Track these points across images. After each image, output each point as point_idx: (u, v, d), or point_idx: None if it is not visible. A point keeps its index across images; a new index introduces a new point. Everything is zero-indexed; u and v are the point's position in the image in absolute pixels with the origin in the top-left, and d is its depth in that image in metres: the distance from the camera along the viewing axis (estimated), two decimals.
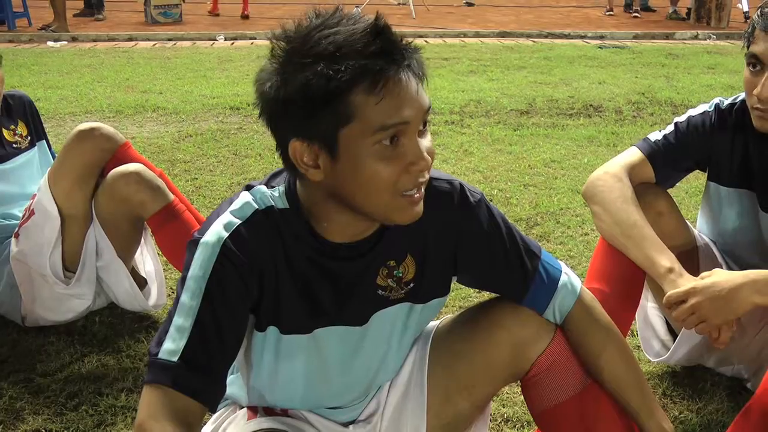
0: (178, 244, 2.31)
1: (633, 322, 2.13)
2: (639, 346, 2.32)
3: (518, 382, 1.64)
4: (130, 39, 9.27)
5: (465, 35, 10.30)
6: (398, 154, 1.29)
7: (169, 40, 9.24)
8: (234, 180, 3.96)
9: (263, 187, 1.44)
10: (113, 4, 11.28)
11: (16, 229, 2.44)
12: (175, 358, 1.32)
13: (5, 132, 2.59)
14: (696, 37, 11.05)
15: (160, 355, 1.33)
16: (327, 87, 1.24)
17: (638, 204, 1.96)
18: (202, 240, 1.38)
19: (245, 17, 11.83)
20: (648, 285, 2.09)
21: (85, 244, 2.40)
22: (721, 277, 1.80)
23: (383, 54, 1.26)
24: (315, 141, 1.29)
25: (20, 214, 2.51)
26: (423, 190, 1.34)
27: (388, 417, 1.65)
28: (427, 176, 1.34)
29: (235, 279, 1.37)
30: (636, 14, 13.29)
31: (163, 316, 2.62)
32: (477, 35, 10.29)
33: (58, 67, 7.07)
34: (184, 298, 1.36)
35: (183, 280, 1.38)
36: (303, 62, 1.26)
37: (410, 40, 1.33)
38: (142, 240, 2.57)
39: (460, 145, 4.68)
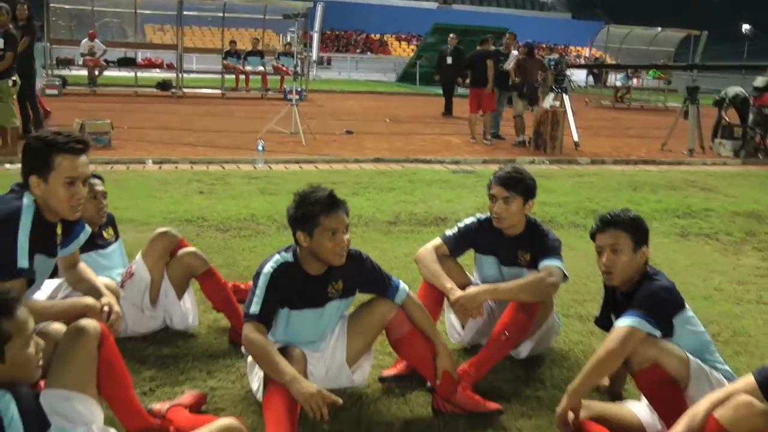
0: (214, 291, 4.56)
1: (440, 316, 4.43)
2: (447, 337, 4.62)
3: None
4: None
5: (347, 161, 12.51)
6: (334, 239, 3.58)
7: (107, 163, 11.04)
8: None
9: (284, 252, 3.70)
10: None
11: (120, 284, 4.54)
12: (257, 312, 3.53)
13: (104, 232, 4.70)
14: (533, 162, 13.56)
15: (250, 311, 3.54)
16: (311, 213, 3.55)
17: (438, 263, 4.31)
18: (262, 272, 3.62)
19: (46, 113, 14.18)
20: (447, 302, 4.40)
21: (161, 291, 4.55)
22: (471, 289, 4.16)
23: (331, 203, 3.58)
24: (305, 231, 3.58)
25: (117, 279, 4.60)
26: (344, 253, 3.63)
27: (330, 349, 3.88)
28: (346, 248, 3.62)
29: (275, 286, 3.60)
30: (486, 141, 16.14)
31: (197, 330, 4.76)
32: (356, 161, 12.54)
33: None
34: (258, 292, 3.57)
35: (254, 286, 3.60)
36: (302, 203, 3.57)
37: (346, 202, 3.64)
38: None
39: None
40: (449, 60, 20.95)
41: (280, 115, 15.03)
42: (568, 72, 21.18)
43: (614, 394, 4.11)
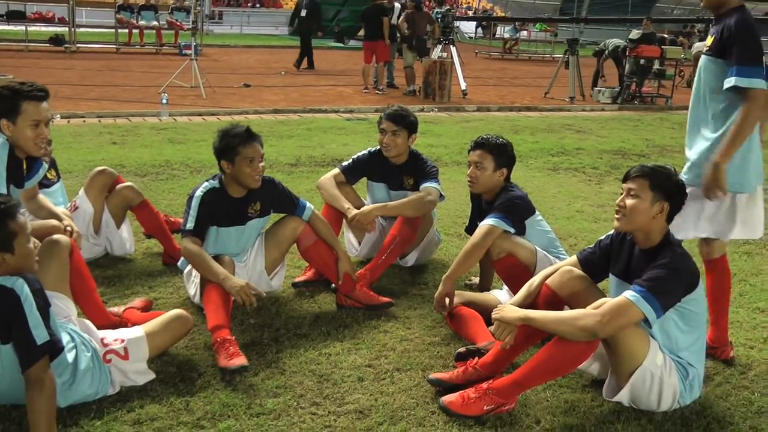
0: (149, 218, 5.34)
1: (340, 235, 5.33)
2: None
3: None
4: None
5: (247, 112, 13.17)
6: (251, 166, 4.42)
7: None
8: None
9: (212, 180, 4.52)
10: None
11: None
12: (192, 228, 4.35)
13: (48, 174, 5.38)
14: (422, 110, 14.45)
15: (186, 228, 4.35)
16: (232, 144, 4.38)
17: (337, 188, 5.20)
18: (194, 195, 4.43)
19: None
20: (345, 223, 5.30)
21: (102, 221, 5.30)
22: (366, 208, 5.07)
23: (248, 136, 4.42)
24: (227, 161, 4.41)
25: None
26: (260, 177, 4.47)
27: (251, 259, 4.73)
28: (261, 173, 4.47)
29: (205, 207, 4.43)
30: (378, 91, 17.01)
31: (134, 256, 5.52)
32: (256, 112, 13.24)
33: None
34: (192, 212, 4.39)
35: (188, 208, 4.41)
36: (225, 137, 4.41)
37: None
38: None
39: None
40: (303, 12, 21.17)
41: (179, 69, 15.50)
42: (456, 24, 22.12)
43: (483, 288, 5.09)
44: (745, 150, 3.99)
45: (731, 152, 3.92)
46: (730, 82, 3.88)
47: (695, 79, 4.25)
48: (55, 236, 3.92)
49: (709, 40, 4.08)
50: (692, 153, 4.19)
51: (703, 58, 4.14)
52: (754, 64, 3.85)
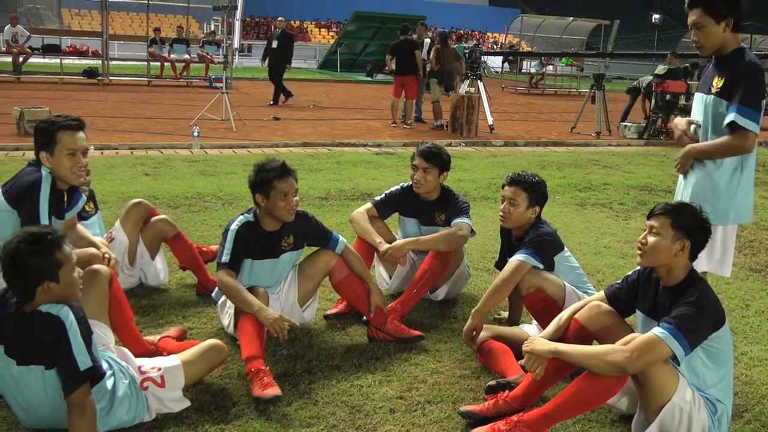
0: (183, 250, 5.44)
1: (371, 267, 5.41)
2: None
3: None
4: (17, 149, 11.57)
5: (277, 145, 13.37)
6: (286, 200, 4.53)
7: None
8: None
9: (247, 214, 4.62)
10: None
11: None
12: (227, 261, 4.45)
13: (86, 206, 5.52)
14: (450, 145, 14.52)
15: (222, 260, 4.45)
16: (266, 179, 4.49)
17: (369, 222, 5.29)
18: (229, 229, 4.54)
19: None
20: (377, 257, 5.38)
21: (137, 253, 5.41)
22: (398, 242, 5.15)
23: (283, 171, 4.53)
24: (262, 195, 4.52)
25: None
26: (294, 211, 4.57)
27: (284, 292, 4.82)
28: (295, 207, 4.58)
29: (239, 240, 4.53)
30: (406, 126, 17.14)
31: (168, 287, 5.63)
32: (286, 145, 13.44)
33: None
34: (227, 245, 4.49)
35: (224, 240, 4.51)
36: (260, 171, 4.51)
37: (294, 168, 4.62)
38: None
39: None
40: (275, 44, 20.63)
41: (210, 102, 15.74)
42: (484, 59, 22.28)
43: (512, 323, 5.14)
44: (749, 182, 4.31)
45: (703, 154, 4.25)
46: (729, 117, 4.07)
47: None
48: (96, 266, 4.04)
49: (718, 82, 4.18)
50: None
51: (709, 97, 4.26)
52: (753, 108, 4.05)
